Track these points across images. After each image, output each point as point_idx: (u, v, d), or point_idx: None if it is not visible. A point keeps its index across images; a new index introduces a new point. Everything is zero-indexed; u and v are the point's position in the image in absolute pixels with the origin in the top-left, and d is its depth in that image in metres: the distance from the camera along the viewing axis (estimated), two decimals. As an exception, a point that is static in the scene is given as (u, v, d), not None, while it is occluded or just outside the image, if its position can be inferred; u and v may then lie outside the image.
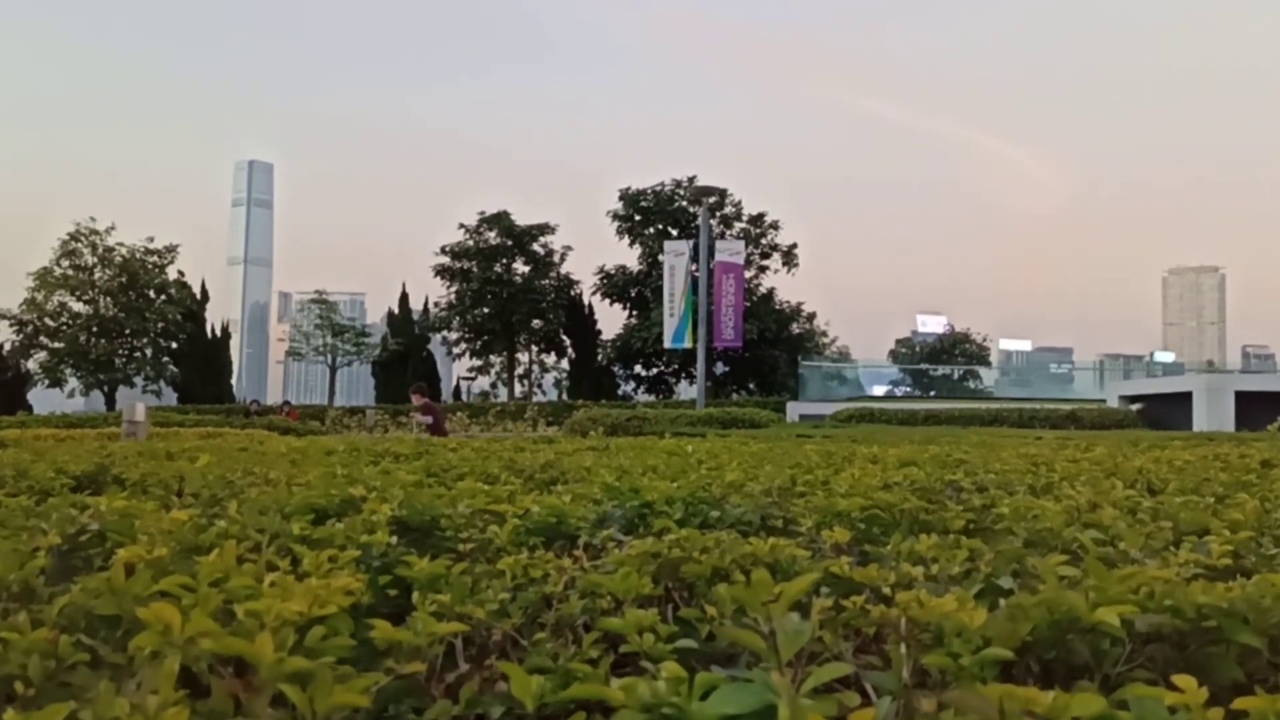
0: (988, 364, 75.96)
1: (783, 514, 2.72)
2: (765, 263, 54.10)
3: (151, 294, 53.09)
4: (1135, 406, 30.12)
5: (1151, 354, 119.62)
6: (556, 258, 56.03)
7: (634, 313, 54.10)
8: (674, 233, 50.67)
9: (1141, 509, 2.79)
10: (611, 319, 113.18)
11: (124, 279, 52.18)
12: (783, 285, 69.63)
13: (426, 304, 59.58)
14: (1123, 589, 1.52)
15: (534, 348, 58.66)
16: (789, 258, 53.58)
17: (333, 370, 60.94)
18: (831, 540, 2.22)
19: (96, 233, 52.57)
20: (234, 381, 63.77)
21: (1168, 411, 28.51)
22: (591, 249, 63.74)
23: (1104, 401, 32.80)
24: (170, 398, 53.45)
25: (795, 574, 1.82)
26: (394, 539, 2.17)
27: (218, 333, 58.42)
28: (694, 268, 38.41)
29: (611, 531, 2.39)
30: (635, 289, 53.49)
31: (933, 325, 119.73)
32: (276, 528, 2.22)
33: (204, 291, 57.77)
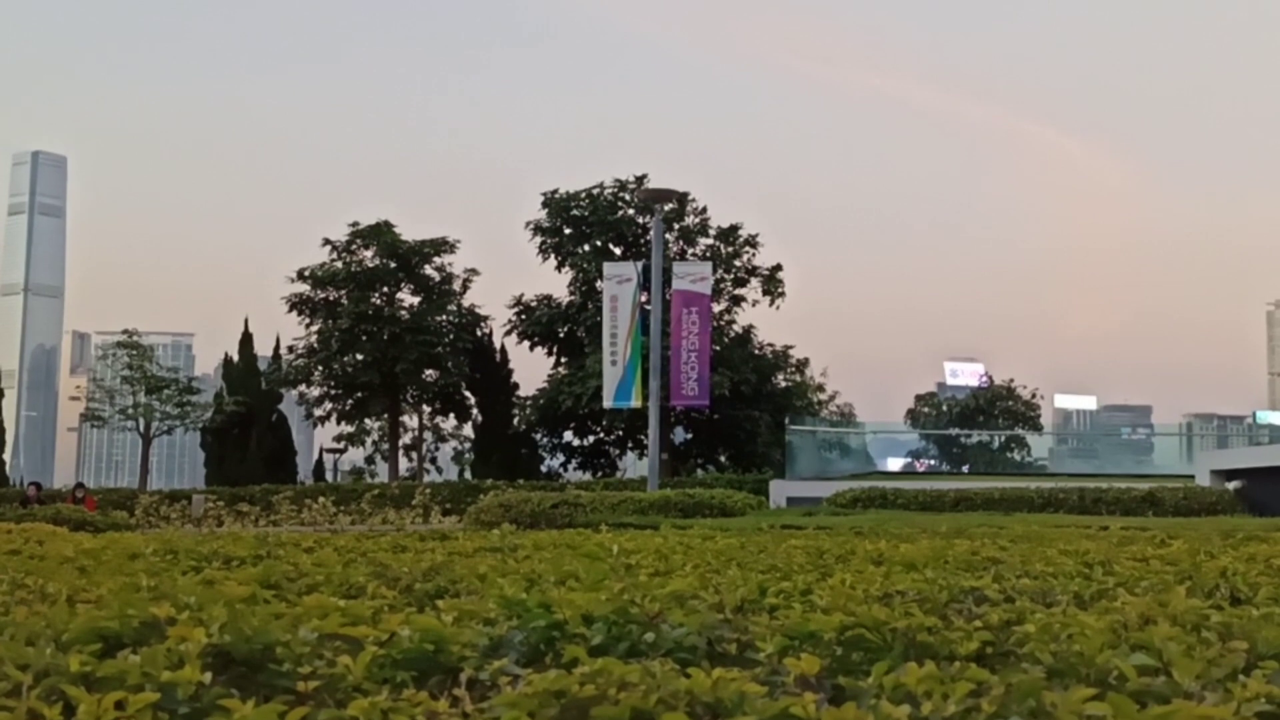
0: (1039, 428, 77.17)
1: (737, 635, 2.77)
2: (740, 291, 54.44)
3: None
4: (1234, 484, 30.65)
5: (1254, 415, 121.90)
6: (457, 285, 55.98)
7: (563, 360, 54.05)
8: (617, 251, 50.93)
9: (1209, 625, 2.89)
10: (533, 369, 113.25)
11: None
12: (764, 322, 70.24)
13: (278, 349, 59.04)
14: (1157, 733, 1.58)
15: (426, 408, 58.33)
16: (772, 284, 53.95)
17: (146, 440, 59.90)
18: (797, 671, 2.27)
19: None
20: (6, 456, 62.44)
21: (1278, 490, 29.04)
22: (506, 275, 63.79)
23: (1192, 478, 33.36)
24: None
25: (742, 717, 1.87)
26: (209, 675, 2.17)
27: (-16, 388, 57.43)
28: (644, 298, 38.60)
29: (506, 662, 2.42)
30: (565, 328, 53.48)
31: (966, 376, 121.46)
32: (47, 662, 2.22)
33: (-34, 331, 56.83)
